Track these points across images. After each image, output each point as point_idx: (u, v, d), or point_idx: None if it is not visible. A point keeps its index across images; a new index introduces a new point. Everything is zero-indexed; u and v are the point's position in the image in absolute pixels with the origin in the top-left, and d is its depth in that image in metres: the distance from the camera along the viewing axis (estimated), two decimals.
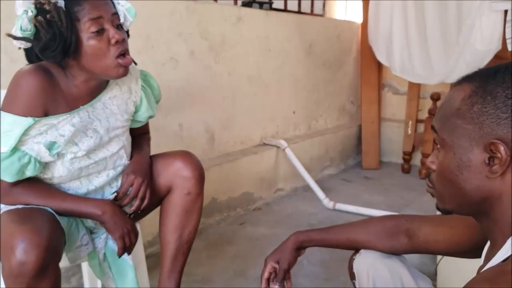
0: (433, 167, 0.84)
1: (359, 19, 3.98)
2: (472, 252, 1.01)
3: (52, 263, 1.14)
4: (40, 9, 1.15)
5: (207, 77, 2.68)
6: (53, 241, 1.13)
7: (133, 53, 2.50)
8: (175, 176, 1.46)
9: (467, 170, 0.76)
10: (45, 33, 1.15)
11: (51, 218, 1.20)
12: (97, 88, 1.33)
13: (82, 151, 1.30)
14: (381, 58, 3.69)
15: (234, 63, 2.85)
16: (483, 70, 0.78)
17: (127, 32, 1.33)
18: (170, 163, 1.48)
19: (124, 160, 1.43)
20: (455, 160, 0.77)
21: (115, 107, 1.38)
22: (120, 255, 1.33)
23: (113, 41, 1.21)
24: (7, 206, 1.25)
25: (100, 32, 1.20)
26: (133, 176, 1.39)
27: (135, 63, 1.37)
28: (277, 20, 3.17)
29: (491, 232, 0.79)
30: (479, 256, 0.89)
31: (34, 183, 1.28)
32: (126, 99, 1.42)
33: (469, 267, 0.89)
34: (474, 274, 0.71)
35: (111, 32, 1.21)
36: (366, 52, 3.86)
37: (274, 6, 3.25)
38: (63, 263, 1.33)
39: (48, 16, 1.15)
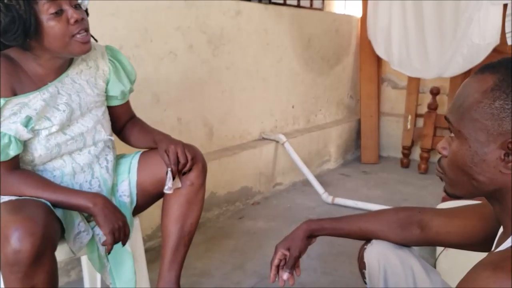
0: (444, 153, 0.83)
1: (358, 14, 3.97)
2: (485, 244, 1.00)
3: (47, 251, 1.15)
4: None
5: (206, 71, 2.67)
6: (48, 229, 1.14)
7: (131, 46, 2.47)
8: None
9: (481, 163, 0.76)
10: (4, 16, 1.17)
11: (45, 207, 1.21)
12: (63, 65, 1.36)
13: (55, 126, 1.31)
14: (379, 52, 3.68)
15: (233, 57, 2.84)
16: (508, 60, 0.76)
17: (86, 11, 1.36)
18: None
19: (103, 135, 1.44)
20: (470, 153, 0.77)
21: (83, 81, 1.41)
22: (108, 251, 1.31)
23: (72, 20, 1.25)
24: (2, 197, 1.25)
25: (59, 13, 1.24)
26: (172, 145, 1.45)
27: (96, 40, 1.42)
28: (276, 14, 3.15)
29: (503, 219, 0.80)
30: (490, 250, 0.88)
31: (28, 174, 1.29)
32: (94, 73, 1.44)
33: (468, 261, 0.88)
34: None
35: (70, 12, 1.25)
36: (365, 46, 3.86)
37: None
38: (65, 255, 1.33)
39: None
